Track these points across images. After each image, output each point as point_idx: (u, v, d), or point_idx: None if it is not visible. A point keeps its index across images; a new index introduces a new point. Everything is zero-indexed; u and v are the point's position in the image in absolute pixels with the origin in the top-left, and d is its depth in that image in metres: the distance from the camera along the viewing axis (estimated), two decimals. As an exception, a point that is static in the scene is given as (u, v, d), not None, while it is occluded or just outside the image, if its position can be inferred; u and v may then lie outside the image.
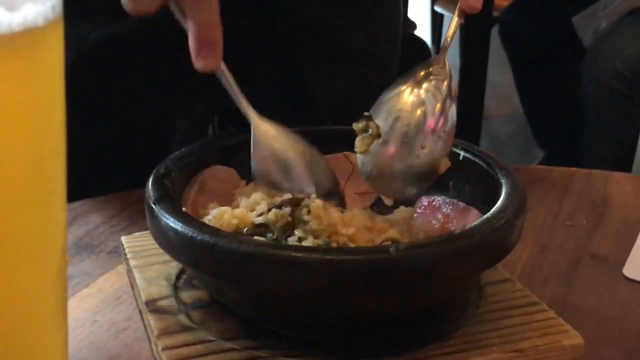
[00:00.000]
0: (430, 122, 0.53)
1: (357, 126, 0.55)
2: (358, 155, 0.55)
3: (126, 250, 0.59)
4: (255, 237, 0.49)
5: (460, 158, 0.57)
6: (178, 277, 0.56)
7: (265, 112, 0.58)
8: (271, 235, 0.50)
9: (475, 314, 0.52)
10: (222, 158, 0.58)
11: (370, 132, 0.54)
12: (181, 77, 0.80)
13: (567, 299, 0.58)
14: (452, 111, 0.54)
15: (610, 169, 0.87)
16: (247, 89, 0.56)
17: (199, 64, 0.53)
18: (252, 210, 0.53)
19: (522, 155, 2.67)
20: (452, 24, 0.56)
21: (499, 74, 2.54)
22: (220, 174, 0.58)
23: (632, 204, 0.75)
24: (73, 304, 0.56)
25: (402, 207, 0.57)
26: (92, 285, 0.58)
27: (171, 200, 0.50)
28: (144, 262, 0.57)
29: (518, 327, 0.50)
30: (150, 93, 0.80)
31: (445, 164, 0.54)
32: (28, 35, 0.32)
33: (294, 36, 0.84)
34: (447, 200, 0.57)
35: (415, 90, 0.54)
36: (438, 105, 0.54)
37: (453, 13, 0.57)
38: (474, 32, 2.08)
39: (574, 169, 0.83)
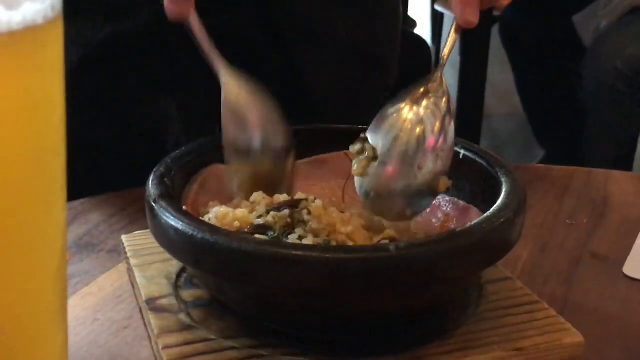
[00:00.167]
0: (430, 140, 0.52)
1: (353, 149, 0.54)
2: (356, 178, 0.54)
3: (126, 249, 0.59)
4: (256, 236, 0.49)
5: (461, 157, 0.57)
6: (178, 275, 0.56)
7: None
8: (272, 233, 0.50)
9: (476, 313, 0.52)
10: (223, 157, 0.58)
11: (366, 155, 0.53)
12: (181, 77, 0.80)
13: (567, 298, 0.58)
14: (451, 129, 0.53)
15: (610, 168, 0.87)
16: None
17: (171, 8, 0.53)
18: (253, 211, 0.53)
19: (523, 154, 2.67)
20: (449, 41, 0.55)
21: (499, 73, 2.54)
22: (220, 172, 0.58)
23: (632, 202, 0.75)
24: (73, 302, 0.56)
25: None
26: (92, 284, 0.58)
27: (171, 198, 0.50)
28: (144, 261, 0.57)
29: (518, 326, 0.50)
30: (150, 93, 0.80)
31: (444, 183, 0.53)
32: (27, 33, 0.32)
33: (294, 36, 0.84)
34: (447, 199, 0.57)
35: (415, 108, 0.53)
36: (437, 123, 0.53)
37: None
38: (474, 31, 2.08)
39: (574, 167, 0.83)
